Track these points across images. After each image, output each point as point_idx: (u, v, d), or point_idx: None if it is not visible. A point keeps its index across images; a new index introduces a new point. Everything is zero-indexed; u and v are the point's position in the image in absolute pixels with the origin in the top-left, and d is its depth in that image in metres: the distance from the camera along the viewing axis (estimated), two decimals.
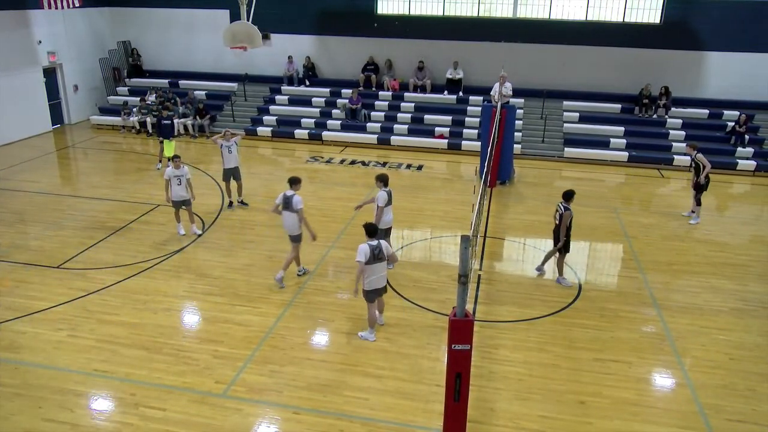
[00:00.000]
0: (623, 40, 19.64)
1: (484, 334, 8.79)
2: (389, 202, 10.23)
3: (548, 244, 11.78)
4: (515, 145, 17.27)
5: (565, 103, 20.19)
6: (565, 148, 18.58)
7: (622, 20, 19.83)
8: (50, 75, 20.77)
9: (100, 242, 11.77)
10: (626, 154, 18.23)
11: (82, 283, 10.13)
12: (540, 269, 10.82)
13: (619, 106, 19.88)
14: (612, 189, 16.26)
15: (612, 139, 18.74)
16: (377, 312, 8.84)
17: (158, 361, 8.10)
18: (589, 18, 19.96)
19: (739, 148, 18.09)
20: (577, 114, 19.82)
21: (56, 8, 18.68)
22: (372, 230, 8.40)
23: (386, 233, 10.30)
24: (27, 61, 19.58)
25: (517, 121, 17.98)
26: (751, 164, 17.61)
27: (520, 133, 18.91)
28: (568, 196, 10.20)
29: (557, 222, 10.24)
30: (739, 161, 17.71)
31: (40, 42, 19.91)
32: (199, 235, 12.15)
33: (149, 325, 8.94)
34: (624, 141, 18.66)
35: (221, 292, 9.92)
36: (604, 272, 11.29)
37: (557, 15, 20.13)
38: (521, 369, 8.10)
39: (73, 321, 9.02)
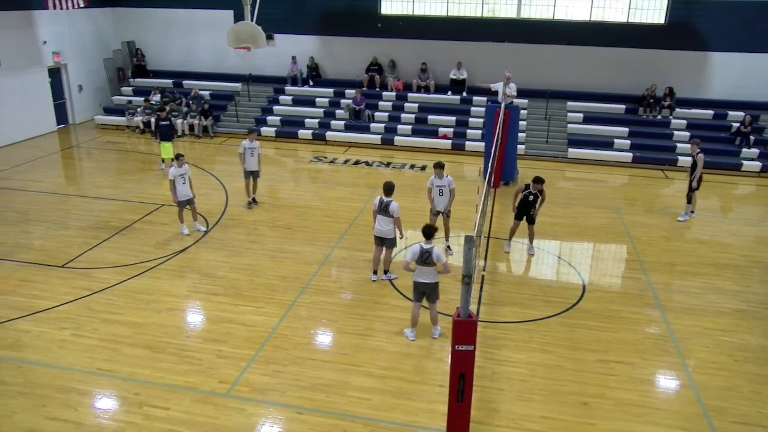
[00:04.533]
0: (627, 40, 19.60)
1: (487, 335, 8.79)
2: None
3: (551, 244, 11.79)
4: (519, 146, 17.25)
5: (569, 103, 20.17)
6: (569, 149, 18.56)
7: (626, 20, 19.80)
8: (55, 75, 20.83)
9: (104, 242, 11.79)
10: (630, 155, 18.18)
11: (86, 283, 10.16)
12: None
13: (624, 106, 19.84)
14: (615, 190, 16.23)
15: (616, 140, 18.70)
16: (432, 323, 8.74)
17: (162, 360, 8.11)
18: (593, 18, 19.93)
19: (744, 149, 18.02)
20: (581, 114, 19.79)
21: (60, 8, 18.72)
22: (427, 232, 8.40)
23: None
24: (32, 62, 19.64)
25: (520, 122, 17.98)
26: (756, 165, 17.54)
27: (524, 134, 18.89)
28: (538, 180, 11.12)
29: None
30: (744, 162, 17.64)
31: (44, 42, 19.98)
32: (205, 232, 12.18)
33: (153, 325, 8.96)
34: (628, 142, 18.61)
35: (225, 292, 9.94)
36: (608, 273, 11.26)
37: (561, 15, 20.10)
38: (524, 370, 8.09)
39: (76, 320, 9.04)
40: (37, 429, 6.83)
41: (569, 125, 19.56)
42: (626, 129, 18.99)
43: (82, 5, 19.27)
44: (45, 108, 20.43)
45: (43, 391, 7.47)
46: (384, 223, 10.01)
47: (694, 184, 13.32)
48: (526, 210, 11.35)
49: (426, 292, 8.49)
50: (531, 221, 11.44)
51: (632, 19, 19.75)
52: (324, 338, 8.87)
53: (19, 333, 8.70)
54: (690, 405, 7.50)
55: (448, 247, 11.47)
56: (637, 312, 9.67)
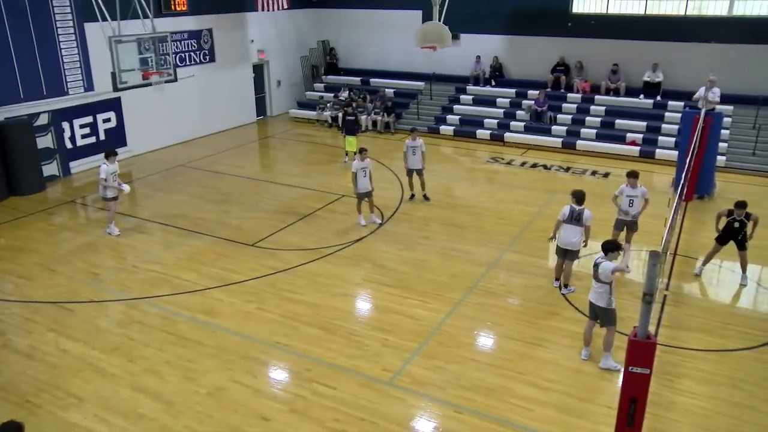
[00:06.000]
0: None
1: (665, 360, 8.09)
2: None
3: (753, 269, 10.50)
4: (719, 157, 15.58)
5: None
6: None
7: None
8: (258, 71, 22.92)
9: (290, 226, 12.75)
10: None
11: (272, 262, 11.07)
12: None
13: None
14: None
15: None
16: (603, 349, 8.06)
17: (333, 341, 8.58)
18: None
19: None
20: None
21: (268, 10, 20.54)
22: (606, 248, 7.77)
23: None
24: (241, 58, 21.79)
25: (723, 131, 16.23)
26: None
27: (726, 144, 17.04)
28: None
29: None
30: None
31: (252, 41, 22.06)
32: (380, 225, 12.66)
33: (327, 307, 9.51)
34: None
35: (394, 284, 10.25)
36: None
37: None
38: (707, 404, 7.32)
39: (261, 295, 9.90)
40: (224, 388, 7.60)
41: None
42: None
43: (286, 7, 20.97)
44: (248, 101, 22.58)
45: (230, 356, 8.28)
46: (573, 233, 9.48)
47: None
48: (732, 236, 10.19)
49: (598, 314, 8.00)
50: (741, 247, 10.15)
51: None
52: (488, 341, 8.78)
53: (215, 301, 9.74)
54: None
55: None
56: None
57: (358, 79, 23.77)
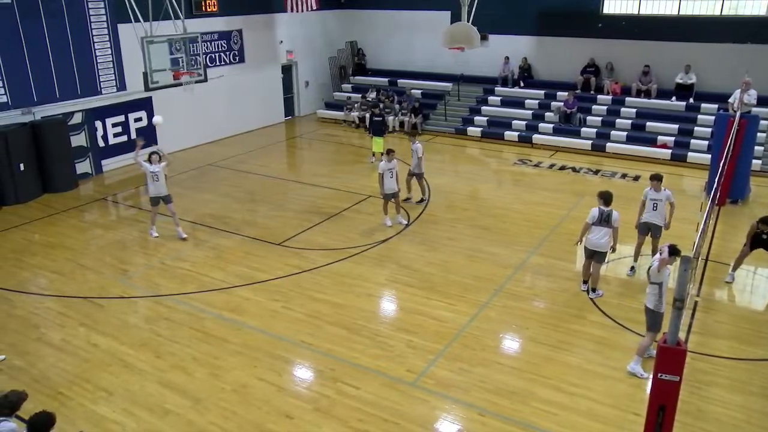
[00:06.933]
0: None
1: (695, 367, 7.93)
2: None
3: None
4: (754, 161, 15.23)
5: None
6: None
7: None
8: (286, 72, 23.08)
9: (316, 226, 12.82)
10: None
11: (298, 261, 11.14)
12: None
13: None
14: None
15: None
16: (637, 353, 7.99)
17: (357, 342, 8.61)
18: None
19: None
20: None
21: (297, 11, 20.69)
22: (673, 251, 7.49)
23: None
24: (270, 59, 21.97)
25: (759, 134, 15.86)
26: None
27: (762, 148, 16.64)
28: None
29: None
30: None
31: (281, 42, 22.24)
32: (406, 226, 12.65)
33: (352, 307, 9.54)
34: None
35: (419, 285, 10.23)
36: None
37: None
38: (738, 414, 7.15)
39: (287, 294, 9.97)
40: (248, 385, 7.67)
41: None
42: None
43: (314, 8, 21.10)
44: (277, 101, 22.76)
45: (255, 353, 8.36)
46: (601, 234, 9.36)
47: None
48: (761, 245, 9.97)
49: (646, 315, 7.91)
50: None
51: None
52: (513, 344, 8.72)
53: (241, 299, 9.84)
54: None
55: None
56: None
57: (386, 79, 23.80)
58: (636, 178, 15.99)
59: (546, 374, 7.86)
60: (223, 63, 19.85)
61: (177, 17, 14.34)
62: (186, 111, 18.42)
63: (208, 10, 18.88)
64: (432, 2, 22.38)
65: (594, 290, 9.78)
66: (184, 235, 12.08)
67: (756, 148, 15.31)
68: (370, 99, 22.27)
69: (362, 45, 25.06)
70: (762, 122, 16.40)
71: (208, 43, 19.07)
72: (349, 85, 24.38)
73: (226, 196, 14.73)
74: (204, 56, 16.28)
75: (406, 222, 12.84)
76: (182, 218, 12.64)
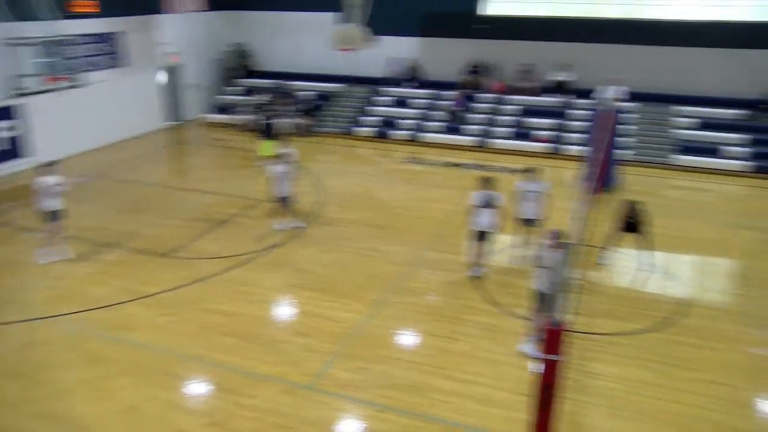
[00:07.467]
0: (751, 40, 18.12)
1: (580, 346, 8.41)
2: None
3: (655, 256, 11.10)
4: (624, 152, 16.44)
5: (683, 108, 18.93)
6: (680, 156, 17.47)
7: (751, 19, 18.26)
8: (171, 74, 22.18)
9: (206, 234, 12.40)
10: (752, 164, 16.84)
11: (188, 272, 10.72)
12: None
13: (745, 112, 18.38)
14: (730, 201, 15.10)
15: (733, 148, 17.39)
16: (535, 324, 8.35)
17: (252, 350, 8.41)
18: (712, 17, 18.51)
19: None
20: (694, 120, 18.55)
21: (181, 12, 19.91)
22: (557, 236, 7.91)
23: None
24: (153, 62, 21.01)
25: (627, 127, 17.15)
26: None
27: (631, 139, 18.00)
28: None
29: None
30: None
31: (163, 44, 21.32)
32: (300, 229, 12.50)
33: (246, 315, 9.31)
34: (749, 150, 17.24)
35: (314, 287, 10.16)
36: (714, 289, 10.51)
37: (679, 15, 18.70)
38: (617, 385, 7.69)
39: (178, 307, 9.56)
40: (137, 407, 7.28)
41: (681, 131, 18.40)
42: (748, 136, 17.57)
43: (199, 9, 20.40)
44: (160, 105, 21.81)
45: (145, 372, 7.94)
46: (487, 216, 9.98)
47: None
48: (629, 230, 10.76)
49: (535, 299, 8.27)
50: (639, 234, 10.72)
51: (760, 18, 18.17)
52: (409, 339, 8.86)
53: (128, 316, 9.31)
54: None
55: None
56: (742, 331, 8.95)
57: (275, 81, 23.40)
58: (519, 171, 16.72)
59: (441, 365, 8.06)
60: (104, 67, 18.69)
61: (47, 18, 13.26)
62: (65, 118, 17.16)
63: (86, 10, 17.66)
64: (319, 3, 22.30)
65: (478, 267, 10.29)
66: (70, 255, 11.24)
67: (625, 140, 16.54)
68: (258, 101, 21.84)
69: (250, 47, 24.55)
70: (630, 116, 17.78)
71: (87, 46, 17.87)
72: (238, 88, 23.81)
73: (108, 207, 13.90)
74: (83, 59, 15.24)
75: (300, 225, 12.71)
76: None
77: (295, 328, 9.03)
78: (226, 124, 22.07)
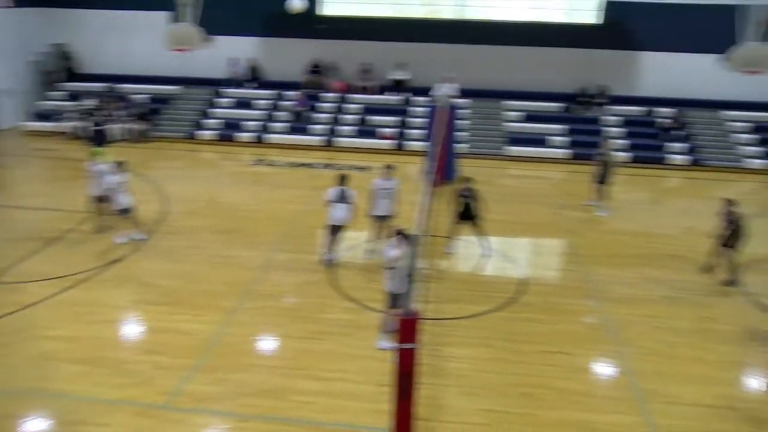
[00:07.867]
0: (566, 40, 20.11)
1: (433, 332, 8.86)
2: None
3: (492, 241, 11.96)
4: (460, 145, 17.50)
5: (510, 102, 20.58)
6: (509, 147, 18.99)
7: (564, 21, 20.28)
8: None
9: (35, 253, 11.29)
10: (570, 151, 18.74)
11: (17, 297, 9.67)
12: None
13: (563, 104, 20.39)
14: (554, 186, 16.68)
15: (555, 137, 19.24)
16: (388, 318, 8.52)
17: (98, 375, 7.82)
18: (533, 19, 20.29)
19: (671, 144, 18.87)
20: (521, 113, 20.28)
21: None
22: (401, 234, 8.09)
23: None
24: None
25: (462, 121, 18.25)
26: (682, 159, 18.41)
27: (466, 133, 19.18)
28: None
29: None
30: (671, 156, 18.49)
31: None
32: (143, 241, 11.81)
33: (88, 338, 8.63)
34: (568, 139, 19.18)
35: (163, 301, 9.68)
36: (547, 267, 11.58)
37: (502, 16, 20.25)
38: (467, 365, 8.22)
39: (7, 337, 8.60)
40: None
41: (509, 123, 20.00)
42: (565, 126, 19.57)
43: (6, 5, 18.38)
44: None
45: None
46: (341, 210, 10.52)
47: (604, 179, 13.91)
48: (466, 213, 11.47)
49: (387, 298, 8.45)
50: (474, 222, 11.53)
51: (571, 20, 20.20)
52: (268, 344, 8.78)
53: None
54: (626, 390, 7.78)
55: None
56: (575, 303, 9.97)
57: (104, 84, 21.82)
58: (366, 169, 17.17)
59: (302, 366, 8.08)
60: None
61: None
62: None
63: None
64: (150, 2, 21.12)
65: (331, 254, 10.83)
66: None
67: (461, 133, 17.60)
68: (86, 106, 20.21)
69: (72, 47, 22.60)
70: (463, 111, 18.92)
71: None
72: (60, 92, 21.86)
73: None
74: None
75: (142, 237, 11.99)
76: None
77: (145, 346, 8.55)
78: (50, 132, 20.18)
